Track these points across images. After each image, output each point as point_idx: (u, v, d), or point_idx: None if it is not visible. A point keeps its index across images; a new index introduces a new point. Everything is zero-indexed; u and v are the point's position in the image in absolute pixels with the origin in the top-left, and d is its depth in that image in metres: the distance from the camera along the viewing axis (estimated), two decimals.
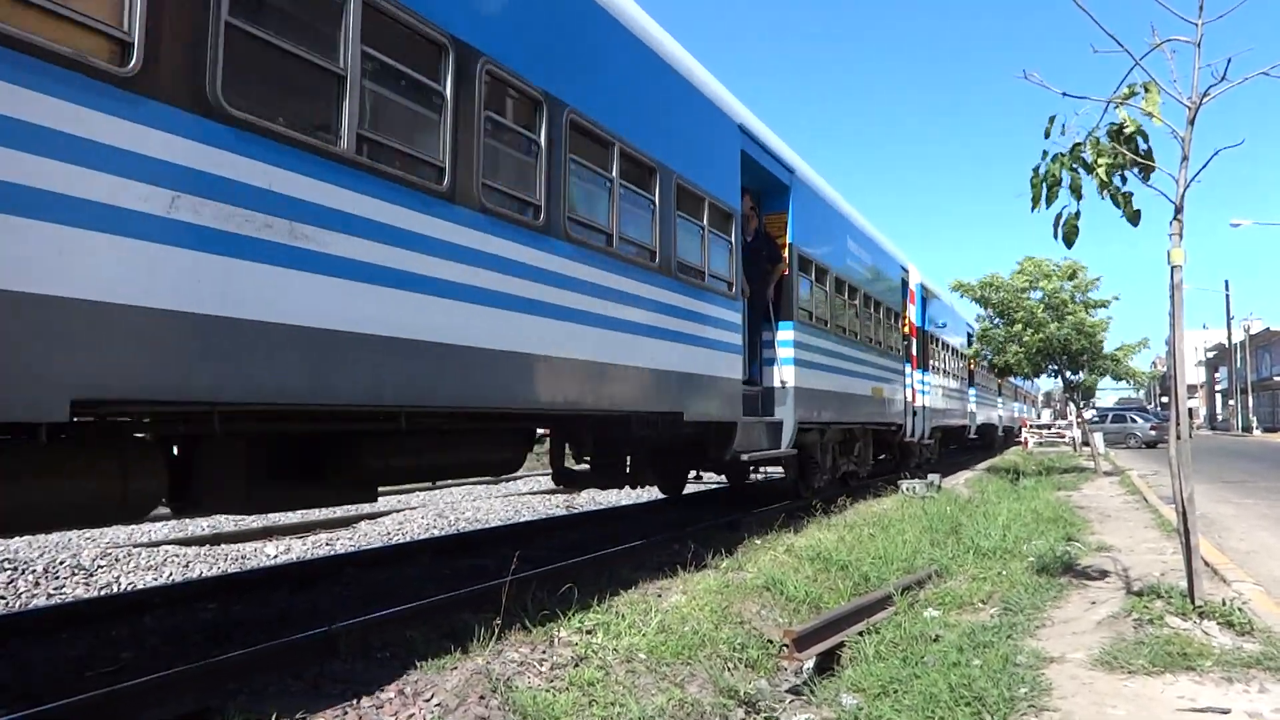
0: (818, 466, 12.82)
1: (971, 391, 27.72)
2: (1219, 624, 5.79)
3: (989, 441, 35.63)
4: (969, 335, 26.09)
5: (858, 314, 14.21)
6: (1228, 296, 61.74)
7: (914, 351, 18.54)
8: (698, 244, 8.46)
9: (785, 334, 10.86)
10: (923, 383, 19.19)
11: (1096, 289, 20.49)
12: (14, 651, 5.28)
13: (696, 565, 7.59)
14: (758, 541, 9.08)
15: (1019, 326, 20.25)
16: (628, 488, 10.63)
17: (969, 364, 26.32)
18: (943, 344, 22.67)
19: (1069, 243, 6.66)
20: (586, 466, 9.11)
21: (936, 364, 21.43)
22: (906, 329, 18.27)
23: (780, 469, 13.58)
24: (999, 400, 36.26)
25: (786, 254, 11.01)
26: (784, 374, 10.70)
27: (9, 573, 7.92)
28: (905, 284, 18.41)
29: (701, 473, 14.51)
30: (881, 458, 18.59)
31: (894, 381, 16.52)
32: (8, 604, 7.28)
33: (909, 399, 17.70)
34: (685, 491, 13.52)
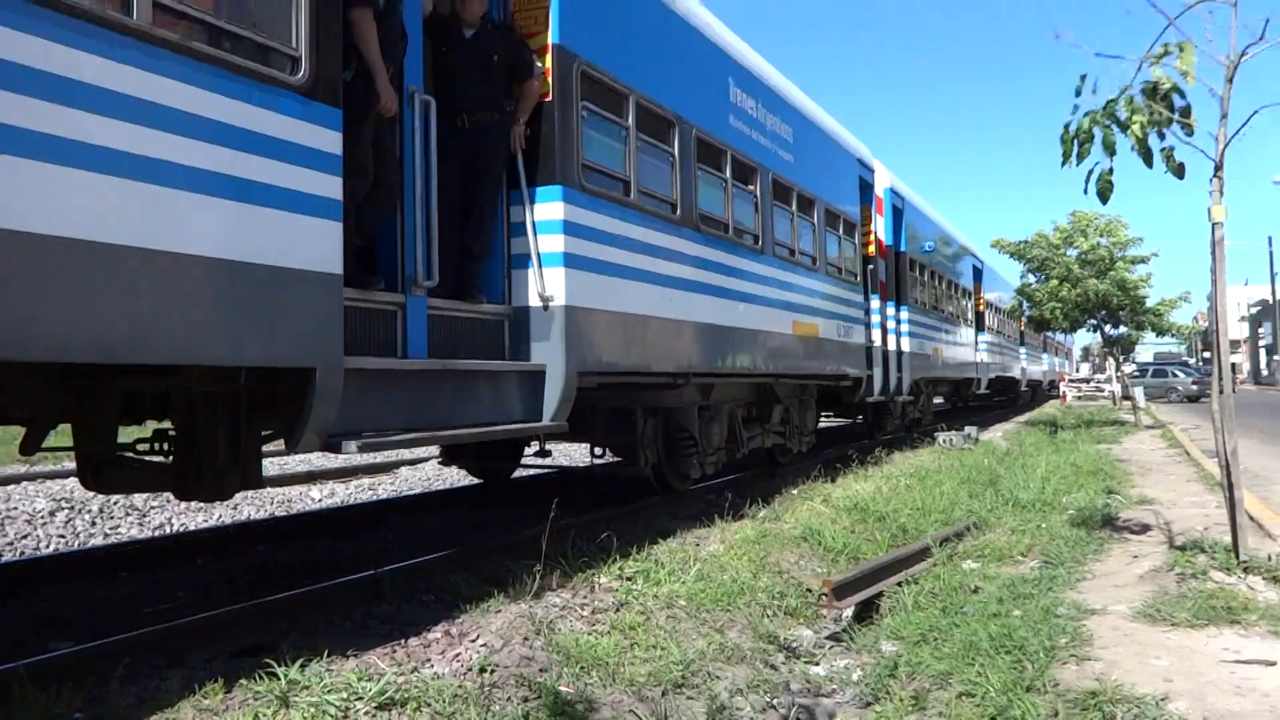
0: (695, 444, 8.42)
1: (982, 338, 22.65)
2: (1264, 579, 5.75)
3: (1011, 398, 32.70)
4: (976, 270, 23.43)
5: (758, 209, 9.25)
6: (1271, 253, 60.34)
7: (882, 278, 13.92)
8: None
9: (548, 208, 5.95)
10: (897, 320, 14.45)
11: (1138, 246, 20.23)
12: (76, 590, 5.46)
13: (734, 515, 7.64)
14: (794, 492, 9.11)
15: (1054, 282, 20.17)
16: None
17: (977, 304, 22.80)
18: (932, 274, 17.56)
19: (1104, 199, 6.56)
20: None
21: (921, 298, 16.50)
22: (870, 247, 13.68)
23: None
24: (1021, 350, 31.33)
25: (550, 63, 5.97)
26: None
27: (67, 511, 8.16)
28: (867, 187, 13.70)
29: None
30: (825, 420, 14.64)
31: (845, 319, 11.82)
32: (66, 542, 7.51)
33: (873, 341, 13.08)
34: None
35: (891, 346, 14.01)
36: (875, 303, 13.34)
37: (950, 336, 19.02)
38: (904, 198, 15.62)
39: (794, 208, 10.12)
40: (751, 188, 9.04)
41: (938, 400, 21.85)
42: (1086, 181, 6.49)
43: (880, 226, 14.02)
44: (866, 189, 13.57)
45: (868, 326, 12.82)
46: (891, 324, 14.14)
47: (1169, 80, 6.01)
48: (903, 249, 15.21)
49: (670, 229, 7.25)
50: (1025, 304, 22.09)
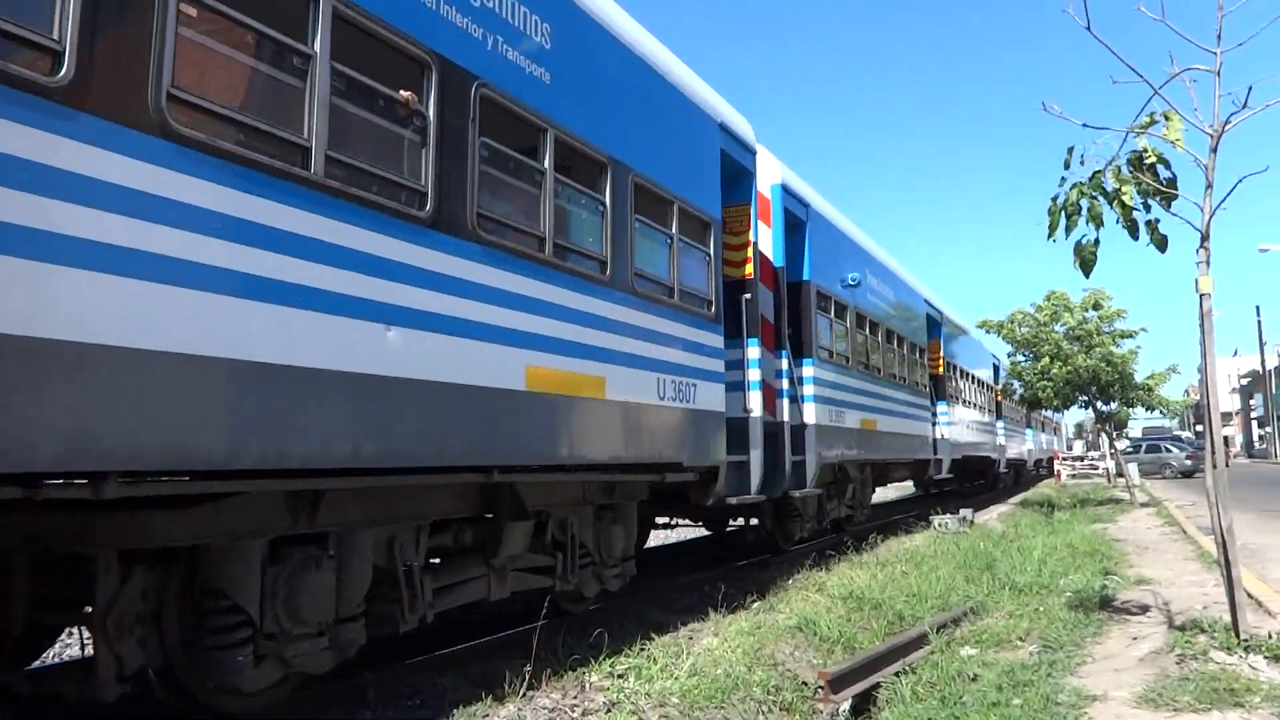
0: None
1: (942, 409, 19.12)
2: (1266, 658, 5.65)
3: (985, 482, 28.39)
4: (932, 321, 19.05)
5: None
6: (1259, 322, 61.08)
7: (765, 314, 10.47)
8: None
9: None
10: (795, 379, 10.60)
11: (1124, 319, 20.39)
12: None
13: (728, 607, 7.52)
14: (789, 581, 8.98)
15: (1045, 360, 20.21)
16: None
17: (934, 365, 19.10)
18: (860, 318, 13.50)
19: (1086, 271, 6.68)
20: None
21: (842, 350, 12.51)
22: (745, 267, 11.52)
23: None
24: (999, 424, 27.30)
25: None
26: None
27: None
28: (741, 175, 11.43)
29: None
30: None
31: (679, 371, 8.38)
32: None
33: (749, 409, 9.75)
34: (711, 533, 12.34)
35: (786, 417, 9.93)
36: (755, 350, 9.06)
37: (892, 405, 14.59)
38: (808, 205, 11.16)
39: (546, 161, 5.72)
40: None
41: (884, 491, 19.45)
42: (1075, 253, 6.61)
43: (765, 239, 9.82)
44: (739, 178, 9.26)
45: (743, 387, 8.81)
46: (785, 383, 10.02)
47: (1155, 152, 6.14)
48: (806, 277, 10.95)
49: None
50: (1017, 383, 22.03)
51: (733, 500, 8.35)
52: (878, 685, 6.04)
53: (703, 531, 12.82)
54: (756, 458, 8.71)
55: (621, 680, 5.41)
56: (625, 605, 7.69)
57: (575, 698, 5.10)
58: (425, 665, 5.61)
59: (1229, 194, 6.29)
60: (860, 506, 13.87)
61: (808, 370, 10.63)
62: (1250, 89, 5.97)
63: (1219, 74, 6.01)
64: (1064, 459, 47.56)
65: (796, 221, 10.77)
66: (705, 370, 7.75)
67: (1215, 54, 6.01)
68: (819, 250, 11.35)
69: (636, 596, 8.11)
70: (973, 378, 23.48)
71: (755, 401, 8.87)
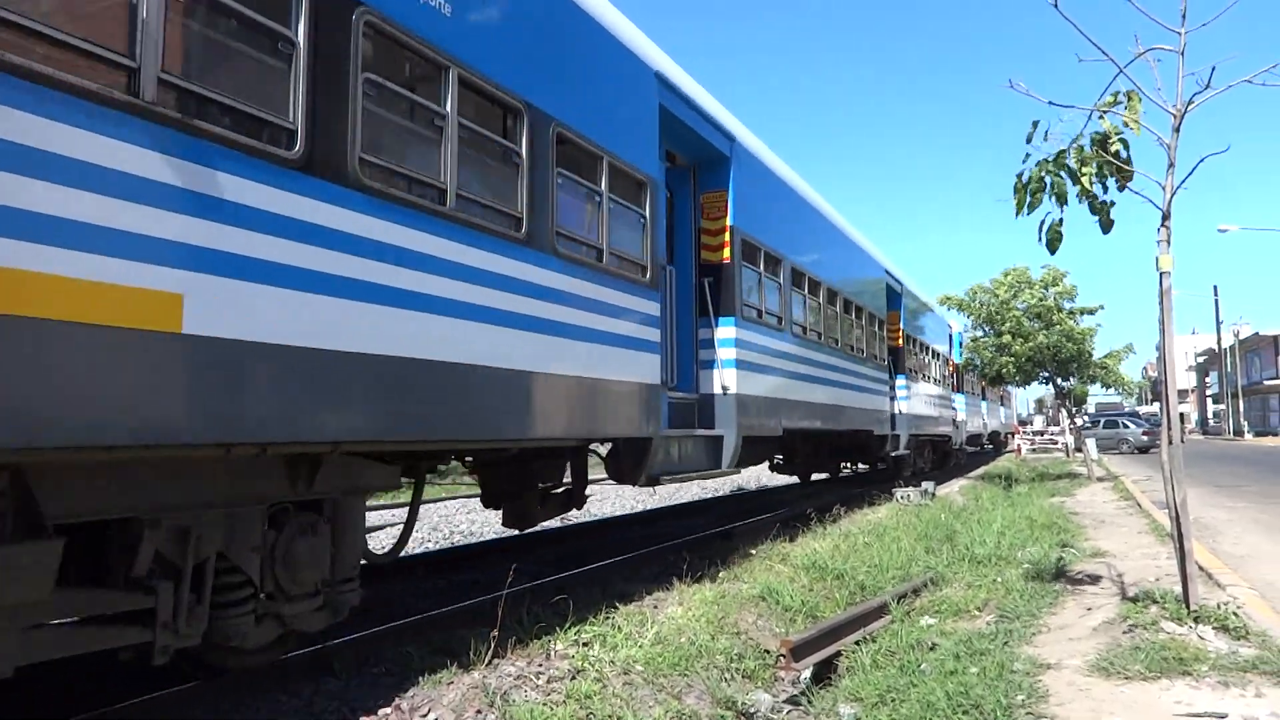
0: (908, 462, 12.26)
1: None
2: (1214, 629, 5.80)
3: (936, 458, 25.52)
4: (892, 292, 18.47)
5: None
6: (1216, 301, 62.15)
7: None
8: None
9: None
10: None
11: (1072, 300, 20.76)
12: None
13: (693, 576, 7.58)
14: (753, 551, 9.07)
15: (1007, 338, 20.51)
16: None
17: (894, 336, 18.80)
18: (807, 280, 12.22)
19: (1052, 249, 6.73)
20: None
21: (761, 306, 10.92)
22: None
23: None
24: (957, 398, 26.75)
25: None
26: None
27: None
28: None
29: None
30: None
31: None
32: None
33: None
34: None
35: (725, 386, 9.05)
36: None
37: (842, 376, 13.51)
38: (733, 138, 9.63)
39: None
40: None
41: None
42: (1040, 231, 6.67)
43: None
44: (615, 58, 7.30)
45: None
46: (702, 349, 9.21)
47: (1117, 129, 6.19)
48: (732, 222, 9.39)
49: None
50: (977, 359, 22.31)
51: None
52: (839, 653, 6.13)
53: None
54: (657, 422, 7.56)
55: (586, 648, 5.45)
56: (591, 574, 7.73)
57: (540, 665, 5.13)
58: (389, 634, 5.61)
59: (1190, 173, 6.35)
60: None
61: (727, 331, 9.31)
62: (1214, 69, 6.04)
63: (1183, 54, 6.06)
64: (1024, 434, 48.36)
65: (718, 156, 9.41)
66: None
67: (1180, 34, 6.06)
68: (746, 194, 9.81)
69: (601, 566, 8.16)
70: (933, 351, 22.88)
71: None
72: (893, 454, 16.90)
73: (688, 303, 9.07)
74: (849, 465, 18.96)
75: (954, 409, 25.54)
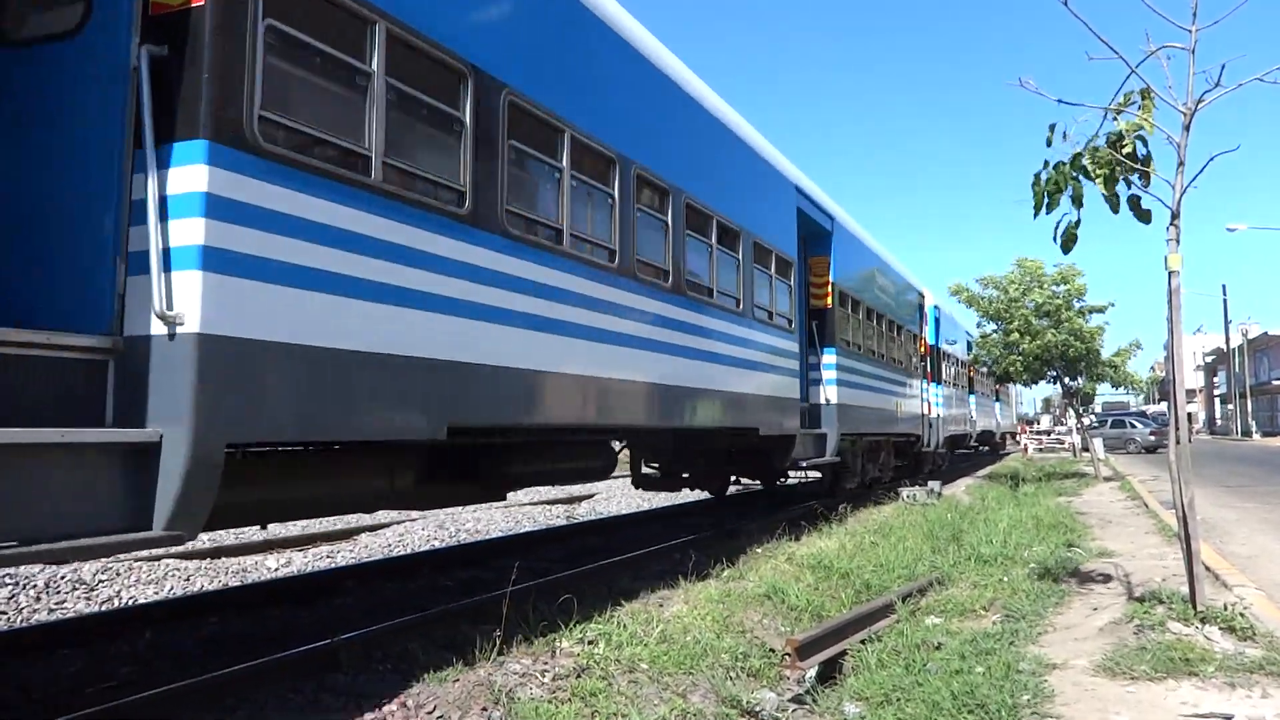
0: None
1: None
2: (1221, 629, 5.79)
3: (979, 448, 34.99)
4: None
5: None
6: (1225, 301, 61.86)
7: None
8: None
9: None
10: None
11: (1082, 299, 20.65)
12: (14, 671, 5.26)
13: (698, 575, 7.58)
14: (758, 550, 9.07)
15: (1015, 335, 20.43)
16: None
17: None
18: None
19: (1066, 249, 6.74)
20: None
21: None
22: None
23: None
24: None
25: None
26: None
27: (10, 588, 7.91)
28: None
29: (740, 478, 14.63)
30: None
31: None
32: (9, 619, 7.26)
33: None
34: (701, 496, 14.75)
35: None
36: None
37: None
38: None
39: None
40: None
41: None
42: (1056, 231, 6.67)
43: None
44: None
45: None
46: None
47: (1133, 127, 6.17)
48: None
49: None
50: (985, 356, 22.25)
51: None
52: (844, 653, 6.12)
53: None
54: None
55: (592, 646, 5.45)
56: (596, 572, 7.74)
57: (546, 663, 5.13)
58: (395, 631, 5.62)
59: (1200, 172, 6.33)
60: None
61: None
62: (1224, 67, 6.01)
63: (1194, 52, 6.05)
64: (1032, 433, 48.20)
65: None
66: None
67: (1190, 32, 6.04)
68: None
69: (606, 564, 8.16)
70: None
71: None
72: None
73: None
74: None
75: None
